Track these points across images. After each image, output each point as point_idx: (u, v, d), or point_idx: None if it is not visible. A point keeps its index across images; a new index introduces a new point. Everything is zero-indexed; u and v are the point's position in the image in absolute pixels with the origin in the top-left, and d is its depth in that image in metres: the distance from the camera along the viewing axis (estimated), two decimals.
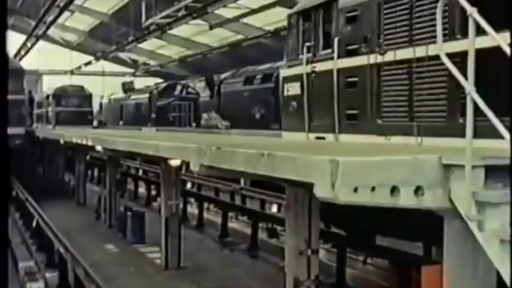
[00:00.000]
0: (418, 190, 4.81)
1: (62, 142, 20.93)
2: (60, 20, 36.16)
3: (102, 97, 47.84)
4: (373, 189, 4.76)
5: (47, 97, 43.47)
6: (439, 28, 5.08)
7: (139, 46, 38.98)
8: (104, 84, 50.86)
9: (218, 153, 7.20)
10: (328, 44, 10.61)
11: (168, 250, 13.33)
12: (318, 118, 10.51)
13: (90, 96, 43.83)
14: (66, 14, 34.36)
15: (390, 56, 8.72)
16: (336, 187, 4.75)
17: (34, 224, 20.43)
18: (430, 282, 5.08)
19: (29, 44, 41.94)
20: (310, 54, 10.97)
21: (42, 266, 16.75)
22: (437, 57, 5.74)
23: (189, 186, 22.47)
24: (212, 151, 7.34)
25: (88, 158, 25.40)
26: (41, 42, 42.63)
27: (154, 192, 23.27)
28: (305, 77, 10.92)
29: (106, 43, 45.50)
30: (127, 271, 13.33)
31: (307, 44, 11.06)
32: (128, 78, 46.77)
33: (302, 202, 7.78)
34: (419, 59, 7.98)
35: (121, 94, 41.66)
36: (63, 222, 19.03)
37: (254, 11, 24.64)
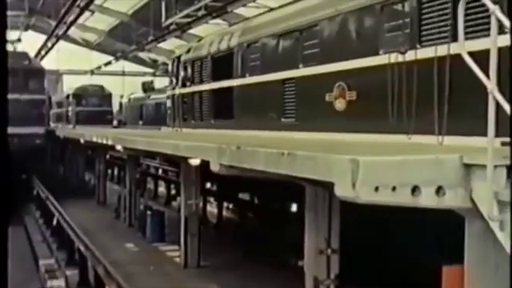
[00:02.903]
0: (439, 190, 4.79)
1: (82, 141, 21.05)
2: (80, 20, 36.30)
3: (121, 96, 48.05)
4: (394, 188, 4.74)
5: (67, 96, 43.72)
6: (461, 27, 5.05)
7: (159, 45, 39.04)
8: (124, 84, 51.05)
9: (238, 152, 7.22)
10: (177, 79, 19.57)
11: (187, 248, 13.36)
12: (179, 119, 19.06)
13: (109, 96, 44.04)
14: (86, 14, 34.47)
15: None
16: (357, 187, 4.75)
17: (55, 222, 20.59)
18: (451, 282, 5.06)
19: (49, 44, 42.14)
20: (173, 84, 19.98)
21: (63, 264, 16.88)
22: None
23: None
24: (232, 151, 7.36)
25: (108, 157, 25.49)
26: (61, 42, 42.81)
27: (173, 191, 23.38)
28: (173, 96, 19.90)
29: (126, 43, 45.64)
30: (147, 270, 13.38)
31: (172, 78, 20.26)
32: (148, 78, 46.89)
33: (321, 201, 7.78)
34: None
35: (140, 94, 41.81)
36: (83, 220, 19.16)
37: (273, 10, 24.65)
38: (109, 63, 49.45)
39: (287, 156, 5.99)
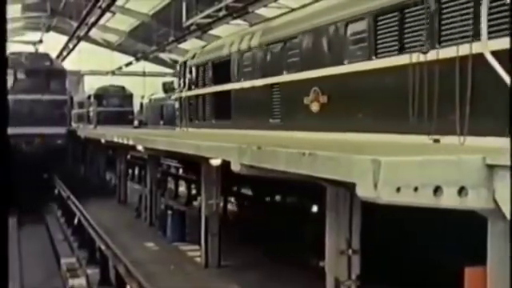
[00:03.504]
0: (461, 191, 4.77)
1: (103, 141, 21.17)
2: (101, 21, 36.49)
3: (142, 97, 48.26)
4: (415, 189, 4.73)
5: (89, 97, 43.97)
6: (484, 26, 5.04)
7: (179, 46, 39.13)
8: (144, 84, 51.26)
9: (259, 152, 7.23)
10: (184, 83, 21.25)
11: (208, 248, 13.38)
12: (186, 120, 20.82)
13: (130, 96, 44.23)
14: (108, 15, 34.67)
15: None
16: (378, 187, 4.74)
17: (76, 221, 20.73)
18: (473, 283, 5.03)
19: (71, 45, 42.39)
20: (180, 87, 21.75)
21: (84, 263, 16.99)
22: None
23: None
24: (253, 151, 7.37)
25: (128, 157, 25.62)
26: (82, 43, 43.07)
27: (194, 191, 23.44)
28: (180, 98, 21.75)
29: (147, 43, 45.83)
30: (167, 269, 13.42)
31: (180, 82, 21.94)
32: (168, 79, 47.04)
33: (342, 202, 7.77)
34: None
35: (161, 94, 41.97)
36: (104, 219, 19.28)
37: (294, 11, 24.62)
38: (130, 64, 49.66)
39: (308, 156, 6.00)
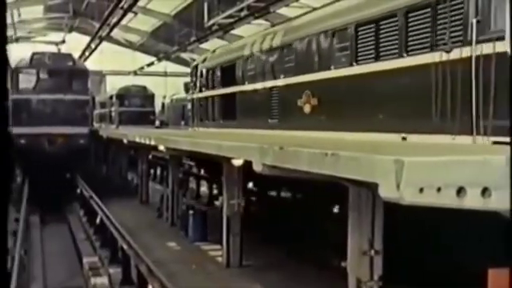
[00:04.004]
0: (485, 191, 4.73)
1: (125, 141, 21.27)
2: (123, 21, 36.67)
3: (164, 97, 48.45)
4: (438, 189, 4.71)
5: (110, 97, 44.23)
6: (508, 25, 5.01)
7: (201, 46, 39.22)
8: (166, 84, 51.44)
9: (281, 152, 7.23)
10: (195, 86, 22.67)
11: (229, 248, 13.39)
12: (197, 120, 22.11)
13: (152, 96, 44.42)
14: (130, 15, 34.83)
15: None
16: (401, 187, 4.73)
17: (98, 221, 20.86)
18: (497, 284, 5.00)
19: (93, 45, 42.65)
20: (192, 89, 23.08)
21: (106, 262, 17.09)
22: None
23: None
24: (274, 151, 7.37)
25: (150, 157, 25.72)
26: (104, 43, 43.31)
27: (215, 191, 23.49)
28: (192, 99, 23.09)
29: (169, 44, 45.97)
30: (189, 269, 13.45)
31: (191, 84, 23.23)
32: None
33: (365, 202, 7.74)
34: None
35: (182, 95, 42.13)
36: (126, 219, 19.36)
37: (315, 10, 24.61)
38: (151, 64, 49.87)
39: (331, 156, 5.99)
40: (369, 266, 7.90)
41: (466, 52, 8.54)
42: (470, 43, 8.45)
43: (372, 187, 5.86)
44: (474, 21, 8.41)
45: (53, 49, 40.03)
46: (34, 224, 24.62)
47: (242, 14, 25.59)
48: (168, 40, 45.79)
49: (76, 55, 35.38)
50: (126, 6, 28.41)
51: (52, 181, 28.45)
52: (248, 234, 13.75)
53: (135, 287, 14.18)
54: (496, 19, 8.18)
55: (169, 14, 42.85)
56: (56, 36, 47.83)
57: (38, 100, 29.52)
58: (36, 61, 30.04)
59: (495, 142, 7.94)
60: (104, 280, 15.88)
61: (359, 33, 11.37)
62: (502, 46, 7.82)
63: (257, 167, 7.83)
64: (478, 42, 8.31)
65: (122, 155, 31.76)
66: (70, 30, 49.52)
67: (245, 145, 8.89)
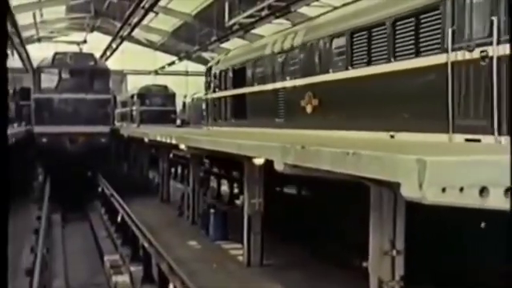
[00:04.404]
0: (508, 191, 4.71)
1: (146, 140, 21.36)
2: (144, 21, 36.81)
3: (185, 96, 48.58)
4: (461, 189, 4.70)
5: (132, 96, 44.41)
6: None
7: (222, 45, 39.28)
8: (187, 83, 51.58)
9: (303, 152, 7.24)
10: (209, 87, 23.83)
11: (250, 247, 13.41)
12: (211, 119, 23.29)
13: (173, 95, 44.56)
14: (151, 15, 34.94)
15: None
16: (424, 187, 4.72)
17: (119, 219, 20.97)
18: None
19: (114, 45, 42.88)
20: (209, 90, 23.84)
21: (127, 260, 17.19)
22: None
23: None
24: (296, 150, 7.39)
25: (171, 155, 25.82)
26: (125, 43, 43.52)
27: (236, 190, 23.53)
28: (207, 100, 24.27)
29: (189, 43, 46.08)
30: (210, 267, 13.48)
31: (206, 85, 24.46)
32: None
33: (386, 202, 7.72)
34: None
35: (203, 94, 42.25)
36: (147, 217, 19.45)
37: (336, 9, 24.53)
38: (172, 63, 50.03)
39: (352, 156, 6.00)
40: (390, 266, 7.89)
41: (442, 58, 9.49)
42: (446, 50, 9.40)
43: (394, 187, 5.85)
44: (450, 30, 9.35)
45: (74, 48, 40.33)
46: (56, 222, 24.81)
47: (263, 13, 25.60)
48: (189, 39, 45.89)
49: (97, 55, 35.58)
50: (147, 6, 28.54)
51: (73, 179, 28.67)
52: (269, 233, 13.77)
53: (156, 285, 14.24)
54: (470, 29, 9.09)
55: (190, 13, 42.95)
56: (78, 36, 48.11)
57: (59, 99, 29.74)
58: (58, 60, 30.27)
59: (467, 140, 8.96)
60: (125, 278, 16.00)
61: (354, 39, 12.46)
62: (473, 54, 8.79)
63: (278, 166, 7.85)
64: (453, 49, 9.27)
65: (142, 154, 31.89)
66: (92, 29, 49.79)
67: (266, 144, 8.91)
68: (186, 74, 53.25)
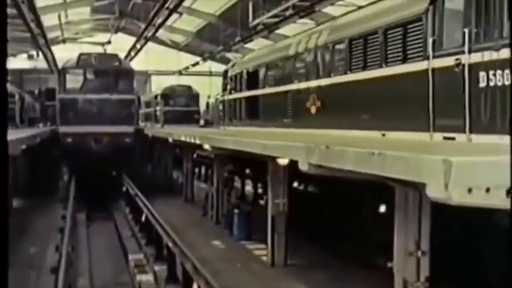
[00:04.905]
0: None
1: (170, 140, 21.44)
2: (168, 22, 36.93)
3: (208, 96, 48.68)
4: (487, 190, 4.66)
5: (156, 96, 44.58)
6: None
7: (246, 45, 39.28)
8: (211, 84, 51.66)
9: (327, 152, 7.23)
10: (225, 89, 25.29)
11: (274, 247, 13.41)
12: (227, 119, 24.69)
13: (197, 96, 44.66)
14: (175, 15, 35.04)
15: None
16: (449, 188, 4.70)
17: (143, 219, 21.06)
18: None
19: (138, 46, 43.08)
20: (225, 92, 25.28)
21: (151, 259, 17.26)
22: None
23: None
24: (321, 150, 7.38)
25: (195, 155, 25.89)
26: (149, 44, 43.71)
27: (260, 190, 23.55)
28: (224, 101, 25.64)
29: (213, 44, 46.16)
30: (234, 267, 13.50)
31: (223, 87, 25.89)
32: None
33: (412, 202, 7.70)
34: None
35: None
36: (171, 217, 19.52)
37: (361, 8, 24.38)
38: (196, 64, 50.14)
39: (378, 156, 5.98)
40: (415, 267, 7.86)
41: (424, 65, 10.50)
42: (428, 58, 10.43)
43: (419, 187, 5.83)
44: (431, 40, 10.37)
45: (99, 49, 40.58)
46: (81, 221, 24.98)
47: (287, 13, 25.58)
48: (213, 40, 45.98)
49: (122, 55, 35.77)
50: (171, 7, 28.64)
51: (98, 179, 28.86)
52: (293, 233, 13.76)
53: (180, 285, 14.27)
54: (447, 39, 10.12)
55: (214, 13, 43.02)
56: (102, 37, 48.43)
57: (84, 99, 29.95)
58: (83, 61, 30.49)
59: (445, 138, 9.95)
60: (149, 277, 16.07)
61: (352, 46, 13.62)
62: (449, 61, 9.75)
63: (303, 166, 7.85)
64: (433, 57, 10.28)
65: (166, 154, 32.01)
66: (116, 30, 50.04)
67: (291, 144, 8.91)
68: (210, 74, 53.32)
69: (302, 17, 25.37)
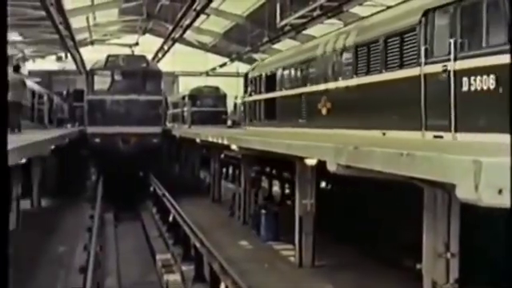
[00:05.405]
0: None
1: (197, 140, 21.50)
2: (196, 23, 37.03)
3: (236, 97, 48.75)
4: None
5: (183, 97, 44.74)
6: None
7: (273, 46, 39.27)
8: (238, 85, 51.71)
9: (356, 152, 7.21)
10: (247, 91, 26.78)
11: (302, 247, 13.38)
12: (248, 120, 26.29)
13: (224, 96, 44.75)
14: (202, 17, 35.13)
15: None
16: (479, 189, 4.65)
17: (171, 219, 21.15)
18: None
19: (165, 47, 43.26)
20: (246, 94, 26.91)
21: (179, 259, 17.32)
22: None
23: None
24: (349, 151, 7.36)
25: (222, 156, 25.93)
26: (177, 45, 43.86)
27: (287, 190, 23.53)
28: (244, 102, 27.46)
29: (241, 45, 46.20)
30: (261, 267, 13.49)
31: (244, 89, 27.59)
32: None
33: (441, 203, 7.65)
34: None
35: None
36: (199, 217, 19.55)
37: (389, 8, 24.21)
38: (224, 65, 50.22)
39: (406, 156, 5.95)
40: (445, 269, 7.81)
41: (417, 71, 11.63)
42: (420, 64, 11.57)
43: (448, 188, 5.79)
44: (423, 48, 11.51)
45: (127, 51, 40.82)
46: (109, 221, 25.15)
47: (315, 13, 25.51)
48: (240, 41, 46.01)
49: (149, 57, 35.94)
50: (198, 8, 28.71)
51: (126, 179, 29.03)
52: (320, 234, 13.73)
53: (208, 285, 14.31)
54: (437, 48, 11.21)
55: (241, 15, 43.05)
56: (130, 38, 48.77)
57: (112, 100, 30.16)
58: (111, 63, 30.70)
59: (435, 136, 11.03)
60: (177, 277, 16.14)
61: (358, 52, 14.89)
62: (438, 68, 10.89)
63: (331, 167, 7.84)
64: (425, 63, 11.44)
65: (194, 154, 32.10)
66: (144, 32, 50.32)
67: (319, 144, 8.90)
68: (237, 75, 53.40)
69: (329, 17, 25.26)
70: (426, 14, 11.68)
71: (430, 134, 11.30)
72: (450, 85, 10.47)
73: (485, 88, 9.60)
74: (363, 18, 19.71)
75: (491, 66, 9.55)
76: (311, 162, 10.02)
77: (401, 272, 11.85)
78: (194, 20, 32.35)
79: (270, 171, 24.36)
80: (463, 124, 10.26)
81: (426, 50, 11.47)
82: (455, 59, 10.45)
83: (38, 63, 53.68)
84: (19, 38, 43.64)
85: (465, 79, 10.11)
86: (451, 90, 10.43)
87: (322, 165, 8.39)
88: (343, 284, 11.95)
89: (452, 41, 10.57)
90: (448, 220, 7.74)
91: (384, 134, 13.04)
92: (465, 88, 10.12)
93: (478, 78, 9.77)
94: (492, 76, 9.47)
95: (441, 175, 5.35)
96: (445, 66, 10.70)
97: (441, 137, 10.81)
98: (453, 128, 10.45)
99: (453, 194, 5.07)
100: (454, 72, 10.43)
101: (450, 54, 10.58)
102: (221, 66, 50.77)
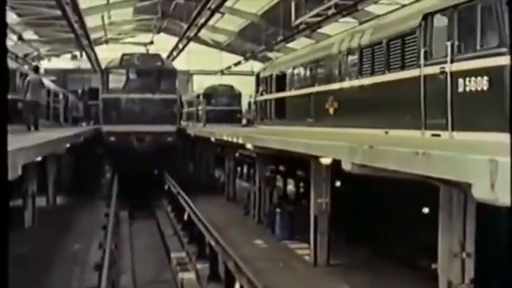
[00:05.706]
0: None
1: (212, 139, 21.51)
2: (211, 22, 37.02)
3: (250, 96, 48.75)
4: None
5: (198, 96, 44.79)
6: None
7: (288, 45, 39.21)
8: (253, 83, 51.71)
9: (371, 151, 7.19)
10: (258, 90, 27.57)
11: (317, 246, 13.38)
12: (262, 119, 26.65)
13: (239, 95, 44.73)
14: (217, 15, 35.11)
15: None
16: (496, 188, 4.63)
17: (186, 217, 21.18)
18: None
19: (180, 46, 43.30)
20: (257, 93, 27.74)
21: (194, 258, 17.35)
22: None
23: None
24: (364, 150, 7.34)
25: (237, 154, 25.94)
26: (191, 43, 43.89)
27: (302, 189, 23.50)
28: (256, 102, 28.25)
29: (255, 43, 46.17)
30: (276, 266, 13.49)
31: (256, 89, 28.15)
32: None
33: (456, 203, 7.61)
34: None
35: None
36: (213, 216, 19.57)
37: (404, 7, 24.10)
38: (238, 63, 50.22)
39: (422, 155, 5.93)
40: (460, 269, 7.77)
41: (417, 72, 12.21)
42: (420, 66, 12.16)
43: (464, 187, 5.76)
44: (423, 50, 12.09)
45: (141, 50, 40.91)
46: (124, 219, 25.22)
47: (330, 12, 25.44)
48: (255, 39, 45.97)
49: (164, 55, 36.01)
50: (213, 7, 28.72)
51: (140, 177, 29.11)
52: (335, 233, 13.70)
53: (222, 283, 14.33)
54: (435, 50, 11.77)
55: (256, 13, 43.01)
56: (144, 37, 48.89)
57: (127, 99, 30.24)
58: (126, 61, 30.78)
59: (433, 135, 11.56)
60: (191, 275, 16.16)
61: (363, 54, 15.54)
62: (436, 69, 11.46)
63: (346, 166, 7.83)
64: (424, 65, 12.01)
65: (208, 153, 32.12)
66: (159, 31, 50.40)
67: (334, 143, 8.88)
68: (252, 73, 53.37)
69: (344, 16, 25.19)
70: (425, 17, 12.21)
71: (428, 133, 11.88)
72: (447, 86, 11.04)
73: (479, 89, 10.20)
74: (373, 18, 19.98)
75: (484, 68, 10.13)
76: (326, 161, 9.99)
77: (416, 272, 11.81)
78: (208, 19, 32.36)
79: (284, 170, 24.32)
80: (459, 123, 10.84)
81: (425, 52, 12.05)
82: (452, 61, 11.01)
83: (53, 62, 53.90)
84: (35, 37, 43.87)
85: (460, 80, 10.69)
86: (448, 90, 11.00)
87: (336, 164, 8.38)
88: (359, 283, 11.93)
89: (449, 43, 11.15)
90: (464, 220, 7.71)
91: (386, 132, 13.57)
92: (460, 89, 10.70)
93: (473, 79, 10.35)
94: (485, 77, 10.04)
95: (457, 174, 5.33)
96: (442, 67, 11.27)
97: (438, 135, 11.41)
98: (450, 127, 11.03)
99: (469, 193, 5.05)
100: (451, 73, 10.99)
101: (447, 56, 11.15)
102: (235, 64, 50.76)
